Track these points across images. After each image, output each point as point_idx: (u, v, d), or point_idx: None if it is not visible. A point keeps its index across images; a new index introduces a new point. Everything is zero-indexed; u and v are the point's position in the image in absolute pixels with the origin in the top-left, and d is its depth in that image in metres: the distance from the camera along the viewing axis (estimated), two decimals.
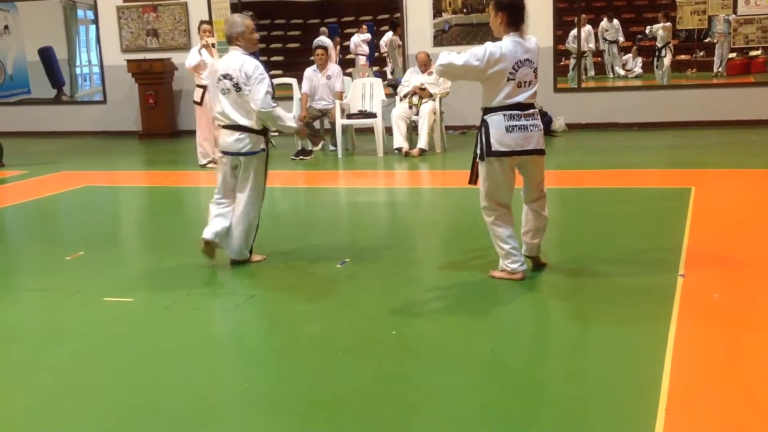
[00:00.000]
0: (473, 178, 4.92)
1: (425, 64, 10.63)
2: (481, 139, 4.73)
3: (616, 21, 15.81)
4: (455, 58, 4.67)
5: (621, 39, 16.17)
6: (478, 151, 4.78)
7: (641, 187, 7.79)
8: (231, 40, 5.26)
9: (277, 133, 5.47)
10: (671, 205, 6.79)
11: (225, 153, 5.33)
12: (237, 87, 5.18)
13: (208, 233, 5.32)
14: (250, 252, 5.46)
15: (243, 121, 5.22)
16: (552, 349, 4.05)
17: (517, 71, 4.62)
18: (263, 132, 5.27)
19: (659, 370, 3.50)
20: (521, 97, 4.67)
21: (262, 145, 5.25)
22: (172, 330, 4.40)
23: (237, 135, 5.24)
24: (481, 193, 4.87)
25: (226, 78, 5.21)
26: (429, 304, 4.71)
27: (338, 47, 15.98)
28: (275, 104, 5.19)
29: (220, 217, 5.35)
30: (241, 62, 5.19)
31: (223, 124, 5.30)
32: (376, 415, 3.29)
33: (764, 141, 10.22)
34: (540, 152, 4.80)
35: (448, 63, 4.70)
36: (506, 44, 4.65)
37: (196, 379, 3.70)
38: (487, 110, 4.73)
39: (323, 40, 14.87)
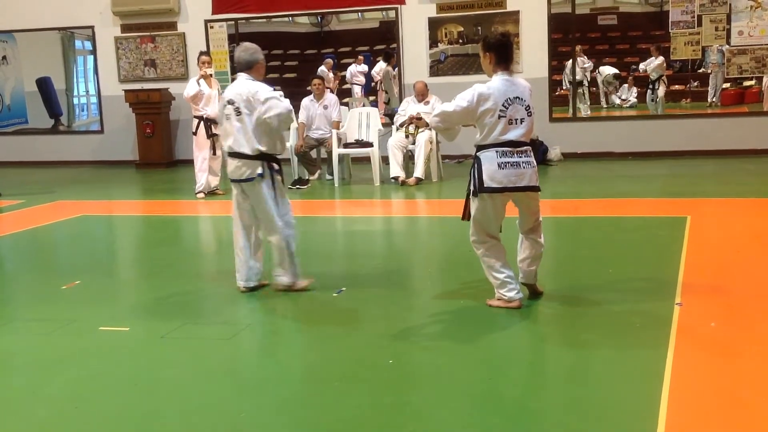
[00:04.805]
0: (466, 215, 4.94)
1: (422, 94, 10.69)
2: (474, 175, 4.77)
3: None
4: (446, 106, 4.86)
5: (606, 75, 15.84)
6: (471, 188, 4.81)
7: (637, 216, 7.80)
8: (250, 65, 5.31)
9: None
10: (667, 233, 6.81)
11: (232, 181, 5.42)
12: (237, 111, 5.23)
13: (243, 282, 5.46)
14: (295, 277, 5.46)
15: (242, 149, 5.26)
16: (549, 378, 4.04)
17: (507, 108, 4.69)
18: (259, 158, 5.28)
19: (657, 398, 3.50)
20: (513, 135, 4.72)
21: (259, 170, 5.27)
22: (168, 359, 4.38)
23: (236, 162, 5.29)
24: (471, 226, 4.89)
25: (230, 103, 5.28)
26: (426, 333, 4.71)
27: (338, 81, 16.10)
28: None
29: (247, 261, 5.45)
30: (246, 88, 5.25)
31: (228, 151, 5.36)
32: None
33: (758, 170, 10.27)
34: (533, 189, 4.83)
35: (440, 112, 4.86)
36: (495, 83, 4.76)
37: (191, 408, 3.69)
38: (479, 147, 4.78)
39: (321, 70, 15.00)
